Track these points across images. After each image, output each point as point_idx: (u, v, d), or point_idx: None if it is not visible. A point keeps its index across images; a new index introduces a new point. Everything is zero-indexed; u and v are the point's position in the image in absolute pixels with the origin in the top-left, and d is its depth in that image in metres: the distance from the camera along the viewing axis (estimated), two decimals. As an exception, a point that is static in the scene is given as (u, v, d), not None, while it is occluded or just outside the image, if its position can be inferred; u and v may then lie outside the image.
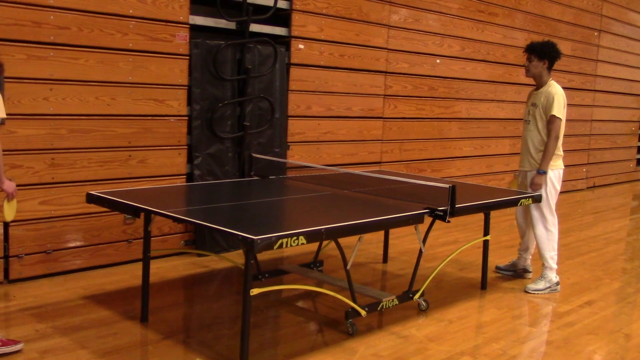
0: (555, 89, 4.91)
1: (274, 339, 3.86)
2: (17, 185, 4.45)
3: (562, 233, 7.18)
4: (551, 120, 4.83)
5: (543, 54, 4.92)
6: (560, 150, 4.95)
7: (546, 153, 4.85)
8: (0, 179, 3.41)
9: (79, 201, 4.73)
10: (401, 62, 7.32)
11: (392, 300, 4.14)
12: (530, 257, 5.29)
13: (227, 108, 5.62)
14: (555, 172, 4.95)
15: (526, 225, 5.21)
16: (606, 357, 3.78)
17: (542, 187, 4.89)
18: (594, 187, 11.19)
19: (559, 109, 4.83)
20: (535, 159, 4.95)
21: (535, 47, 4.97)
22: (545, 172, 4.86)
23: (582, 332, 4.12)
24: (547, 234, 4.97)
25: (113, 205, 3.84)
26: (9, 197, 3.53)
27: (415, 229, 4.12)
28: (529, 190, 4.95)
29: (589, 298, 4.84)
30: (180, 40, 5.25)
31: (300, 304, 4.51)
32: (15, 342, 3.46)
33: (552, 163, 4.91)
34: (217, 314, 4.19)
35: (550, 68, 4.97)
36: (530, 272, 5.29)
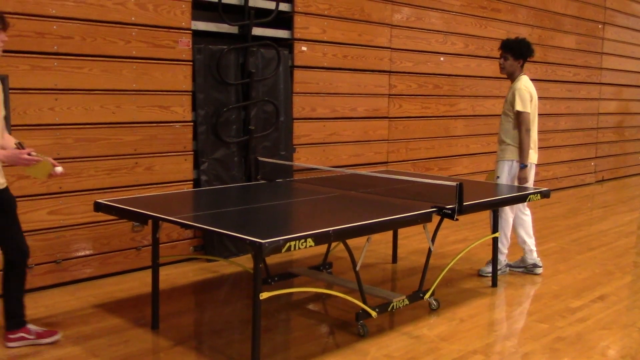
0: (520, 84, 5.03)
1: (285, 343, 3.86)
2: (25, 196, 4.50)
3: (571, 228, 7.17)
4: (517, 115, 5.01)
5: (520, 54, 5.07)
6: (534, 144, 5.10)
7: (521, 147, 5.01)
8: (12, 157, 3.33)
9: (87, 210, 4.74)
10: (405, 61, 7.31)
11: (403, 301, 4.12)
12: (535, 248, 5.26)
13: (232, 112, 5.62)
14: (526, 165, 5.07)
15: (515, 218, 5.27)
16: (620, 352, 3.75)
17: (527, 181, 5.05)
18: (603, 180, 11.11)
19: (523, 104, 4.97)
20: (500, 150, 5.15)
21: (512, 45, 5.09)
22: (526, 166, 5.02)
23: (595, 328, 4.09)
24: (503, 222, 5.10)
25: (121, 213, 3.84)
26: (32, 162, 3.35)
27: (424, 228, 4.11)
28: (496, 180, 5.16)
29: (600, 293, 4.81)
30: (183, 46, 5.25)
31: (310, 306, 4.50)
32: (52, 333, 3.66)
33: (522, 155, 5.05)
34: (228, 318, 4.19)
35: (523, 65, 5.12)
36: (540, 266, 5.26)
